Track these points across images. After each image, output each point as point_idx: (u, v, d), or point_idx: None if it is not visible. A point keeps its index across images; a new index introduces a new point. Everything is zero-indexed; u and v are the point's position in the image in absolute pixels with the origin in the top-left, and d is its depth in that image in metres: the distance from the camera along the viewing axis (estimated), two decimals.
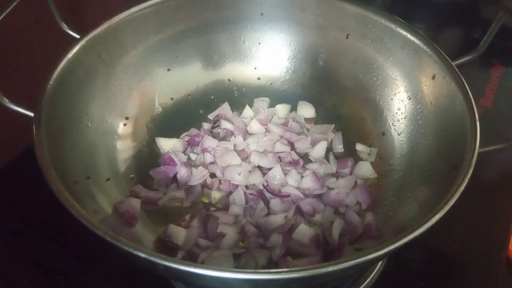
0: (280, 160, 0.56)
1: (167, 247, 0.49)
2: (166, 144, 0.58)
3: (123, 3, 0.56)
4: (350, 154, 0.59)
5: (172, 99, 0.63)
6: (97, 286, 0.51)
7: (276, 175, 0.54)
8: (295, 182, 0.54)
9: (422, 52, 0.54)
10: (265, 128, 0.60)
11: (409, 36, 0.55)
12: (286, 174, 0.55)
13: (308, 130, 0.61)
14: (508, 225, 0.56)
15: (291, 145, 0.58)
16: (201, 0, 0.61)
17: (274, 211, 0.53)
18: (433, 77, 0.53)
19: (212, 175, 0.56)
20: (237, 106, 0.63)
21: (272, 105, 0.64)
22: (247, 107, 0.63)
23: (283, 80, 0.66)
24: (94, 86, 0.55)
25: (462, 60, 0.53)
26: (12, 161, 0.62)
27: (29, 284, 0.51)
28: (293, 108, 0.64)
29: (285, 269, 0.34)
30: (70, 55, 0.51)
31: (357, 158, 0.58)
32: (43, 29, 0.60)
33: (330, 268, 0.34)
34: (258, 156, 0.56)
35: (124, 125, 0.58)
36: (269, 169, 0.55)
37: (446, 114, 0.51)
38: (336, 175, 0.56)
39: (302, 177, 0.55)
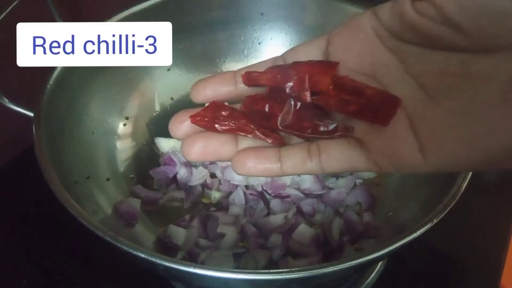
0: None
1: (167, 247, 0.49)
2: (166, 144, 0.58)
3: (123, 3, 0.56)
4: None
5: (172, 99, 0.63)
6: (97, 286, 0.51)
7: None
8: (295, 183, 0.54)
9: None
10: None
11: None
12: None
13: None
14: (508, 225, 0.56)
15: None
16: (201, 0, 0.61)
17: (274, 211, 0.53)
18: None
19: (212, 175, 0.56)
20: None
21: None
22: None
23: None
24: (94, 86, 0.54)
25: None
26: (12, 161, 0.62)
27: (29, 284, 0.51)
28: None
29: (285, 269, 0.34)
30: None
31: None
32: None
33: (331, 268, 0.34)
34: None
35: (124, 125, 0.58)
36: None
37: None
38: (336, 175, 0.56)
39: (302, 177, 0.55)
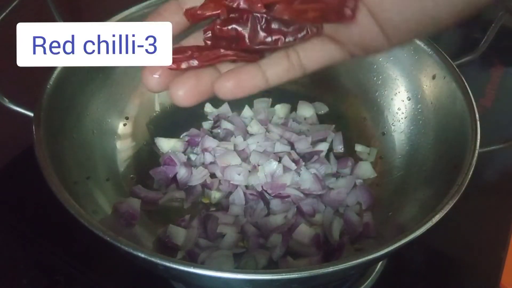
0: (280, 160, 0.56)
1: (167, 247, 0.49)
2: (166, 144, 0.58)
3: (123, 3, 0.56)
4: (350, 154, 0.59)
5: None
6: (97, 286, 0.51)
7: (276, 172, 0.54)
8: (295, 183, 0.54)
9: (422, 52, 0.54)
10: (265, 128, 0.60)
11: None
12: (286, 174, 0.55)
13: (308, 130, 0.61)
14: (508, 225, 0.56)
15: (291, 145, 0.58)
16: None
17: (274, 211, 0.53)
18: (433, 77, 0.53)
19: (212, 175, 0.56)
20: (237, 106, 0.63)
21: (272, 105, 0.64)
22: (246, 107, 0.63)
23: None
24: (94, 86, 0.54)
25: (462, 60, 0.53)
26: (12, 161, 0.62)
27: (29, 284, 0.51)
28: (293, 108, 0.64)
29: (285, 269, 0.34)
30: None
31: (357, 158, 0.58)
32: None
33: (331, 269, 0.34)
34: (258, 156, 0.56)
35: (124, 125, 0.58)
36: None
37: (447, 114, 0.51)
38: (336, 175, 0.56)
39: (302, 177, 0.55)
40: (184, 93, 0.27)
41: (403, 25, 0.24)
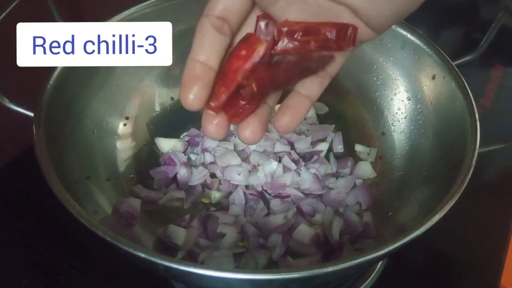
0: (280, 160, 0.56)
1: (167, 247, 0.49)
2: (166, 144, 0.58)
3: (123, 3, 0.56)
4: (350, 154, 0.59)
5: (172, 99, 0.63)
6: (97, 286, 0.51)
7: (276, 172, 0.54)
8: (295, 183, 0.54)
9: (422, 52, 0.54)
10: None
11: (409, 36, 0.55)
12: (286, 174, 0.55)
13: (308, 130, 0.61)
14: (508, 225, 0.56)
15: (291, 145, 0.59)
16: (201, 0, 0.61)
17: (274, 211, 0.53)
18: (433, 77, 0.53)
19: (212, 175, 0.56)
20: None
21: None
22: None
23: None
24: (94, 86, 0.54)
25: (462, 60, 0.53)
26: (12, 161, 0.62)
27: (29, 284, 0.51)
28: None
29: (285, 269, 0.34)
30: None
31: (357, 158, 0.58)
32: None
33: (331, 268, 0.34)
34: (258, 156, 0.56)
35: (124, 125, 0.58)
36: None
37: (446, 114, 0.51)
38: (336, 175, 0.56)
39: (302, 177, 0.55)
40: (250, 133, 0.29)
41: (385, 20, 0.29)
